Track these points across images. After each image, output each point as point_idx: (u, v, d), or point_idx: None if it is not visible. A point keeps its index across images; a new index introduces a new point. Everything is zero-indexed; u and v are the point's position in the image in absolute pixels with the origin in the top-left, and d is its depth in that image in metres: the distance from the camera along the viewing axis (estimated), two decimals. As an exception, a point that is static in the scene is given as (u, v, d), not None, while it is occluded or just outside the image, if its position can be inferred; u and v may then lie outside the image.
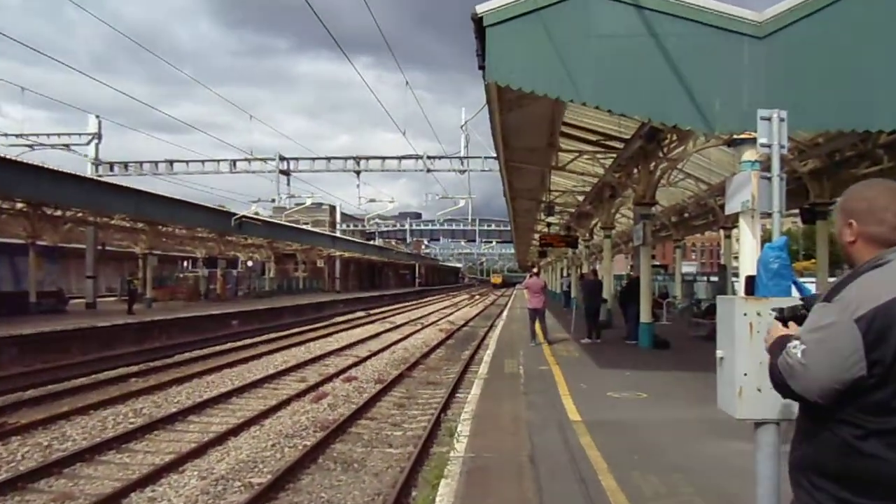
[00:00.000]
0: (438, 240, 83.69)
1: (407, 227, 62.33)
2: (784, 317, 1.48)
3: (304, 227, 42.52)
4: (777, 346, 1.34)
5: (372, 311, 30.50)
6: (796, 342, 1.30)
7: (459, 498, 3.80)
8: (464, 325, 23.03)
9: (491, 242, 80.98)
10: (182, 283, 28.31)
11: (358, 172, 39.35)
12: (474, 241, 69.86)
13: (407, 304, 39.91)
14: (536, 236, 28.89)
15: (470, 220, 54.11)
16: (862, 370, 1.19)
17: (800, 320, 1.41)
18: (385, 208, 56.78)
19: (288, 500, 5.03)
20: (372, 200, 49.05)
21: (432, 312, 30.65)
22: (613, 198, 15.34)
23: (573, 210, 19.94)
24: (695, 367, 8.45)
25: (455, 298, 50.14)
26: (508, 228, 56.00)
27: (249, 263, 35.59)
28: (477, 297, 53.99)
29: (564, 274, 32.15)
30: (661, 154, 10.81)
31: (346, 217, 58.65)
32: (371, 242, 56.54)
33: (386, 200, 49.28)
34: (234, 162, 34.28)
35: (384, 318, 26.66)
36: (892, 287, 1.22)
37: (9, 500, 4.97)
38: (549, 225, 22.53)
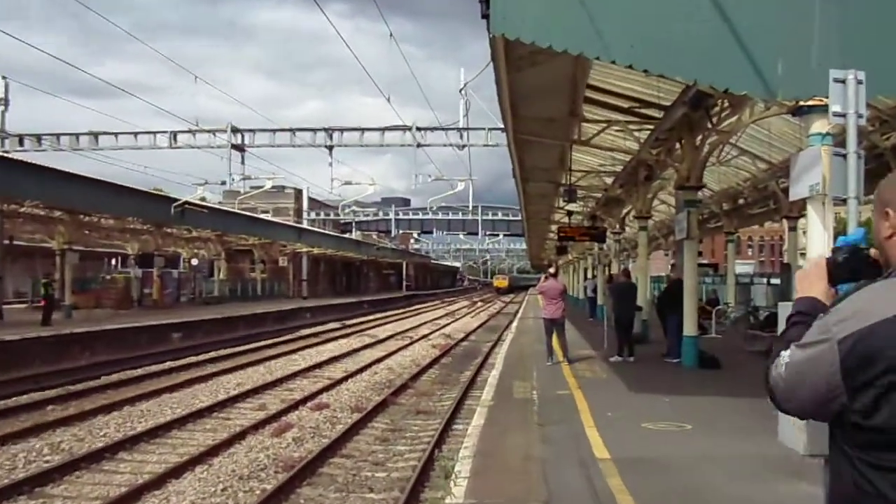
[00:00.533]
0: (431, 232, 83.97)
1: (392, 216, 62.33)
2: (836, 262, 1.31)
3: (262, 216, 42.42)
4: (785, 337, 1.31)
5: (348, 322, 30.53)
6: (789, 351, 1.28)
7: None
8: (463, 340, 23.10)
9: (497, 236, 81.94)
10: (109, 287, 27.86)
11: (330, 148, 39.23)
12: (476, 234, 70.04)
13: (392, 312, 39.96)
14: (554, 228, 29.13)
15: (471, 209, 54.08)
16: (842, 400, 1.19)
17: (856, 273, 1.29)
18: (364, 193, 56.99)
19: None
20: (348, 183, 49.27)
21: (424, 323, 30.76)
22: (650, 180, 15.35)
23: (599, 195, 19.89)
24: (750, 391, 8.20)
25: (452, 306, 50.25)
26: (518, 219, 56.26)
27: (194, 262, 35.37)
28: (479, 304, 54.01)
29: (589, 275, 32.25)
30: (709, 125, 10.81)
31: (316, 204, 58.54)
32: (347, 236, 56.29)
33: (365, 183, 49.62)
34: (174, 134, 33.87)
35: (363, 330, 26.64)
36: (890, 305, 1.18)
37: None
38: (569, 214, 22.37)
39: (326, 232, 48.80)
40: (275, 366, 15.94)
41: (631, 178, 16.09)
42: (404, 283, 71.03)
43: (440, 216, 61.55)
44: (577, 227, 21.19)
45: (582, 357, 13.06)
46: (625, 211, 20.65)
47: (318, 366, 15.80)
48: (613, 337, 13.13)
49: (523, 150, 14.32)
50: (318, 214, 56.35)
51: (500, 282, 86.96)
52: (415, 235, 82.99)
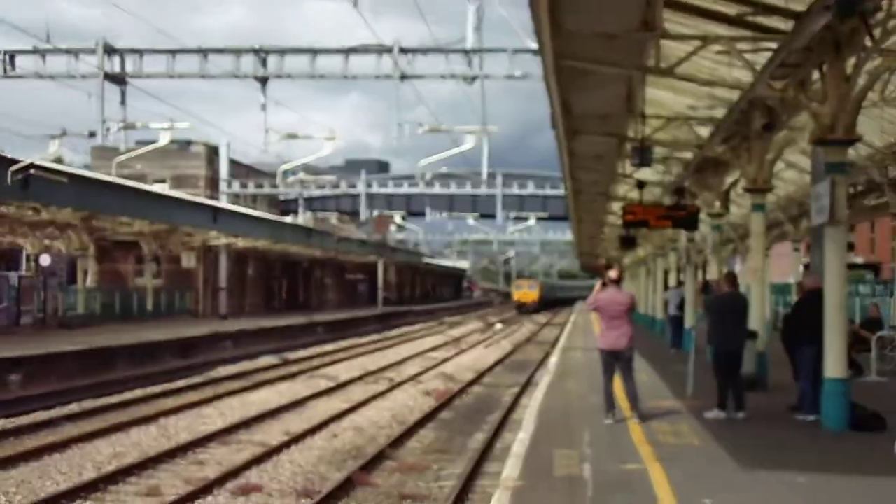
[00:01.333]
0: (423, 214, 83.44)
1: (361, 189, 61.87)
2: None
3: (156, 187, 42.00)
4: None
5: (292, 357, 30.81)
6: None
7: None
8: (473, 383, 23.77)
9: (525, 220, 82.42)
10: None
11: (263, 81, 38.06)
12: (493, 216, 70.05)
13: (362, 340, 40.21)
14: (616, 208, 29.10)
15: (485, 177, 53.89)
16: None
17: None
18: (319, 153, 56.37)
19: None
20: (292, 137, 48.39)
21: (412, 357, 31.05)
22: (771, 130, 15.10)
23: (689, 156, 20.01)
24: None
25: (456, 329, 50.53)
26: (560, 193, 56.09)
27: (45, 260, 34.28)
28: (499, 326, 54.38)
29: (671, 282, 32.20)
30: (867, 41, 10.65)
31: (242, 169, 58.50)
32: (290, 220, 56.67)
33: (320, 137, 48.86)
34: (10, 56, 32.86)
35: (316, 368, 27.10)
36: None
37: None
38: (640, 186, 22.88)
39: (259, 213, 48.47)
40: (175, 425, 15.93)
41: (740, 129, 15.95)
42: (380, 294, 70.38)
43: (437, 189, 61.10)
44: (652, 205, 21.17)
45: (661, 411, 13.13)
46: (729, 181, 20.55)
47: (245, 424, 15.93)
48: (711, 379, 13.12)
49: (569, 85, 14.22)
50: (244, 186, 55.94)
51: (524, 292, 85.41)
52: (397, 219, 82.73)
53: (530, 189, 63.47)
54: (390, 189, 64.77)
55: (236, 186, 54.08)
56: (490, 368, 28.11)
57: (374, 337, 44.23)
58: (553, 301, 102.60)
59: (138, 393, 20.30)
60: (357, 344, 38.46)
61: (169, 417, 16.72)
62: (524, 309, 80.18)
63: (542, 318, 71.04)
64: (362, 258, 68.71)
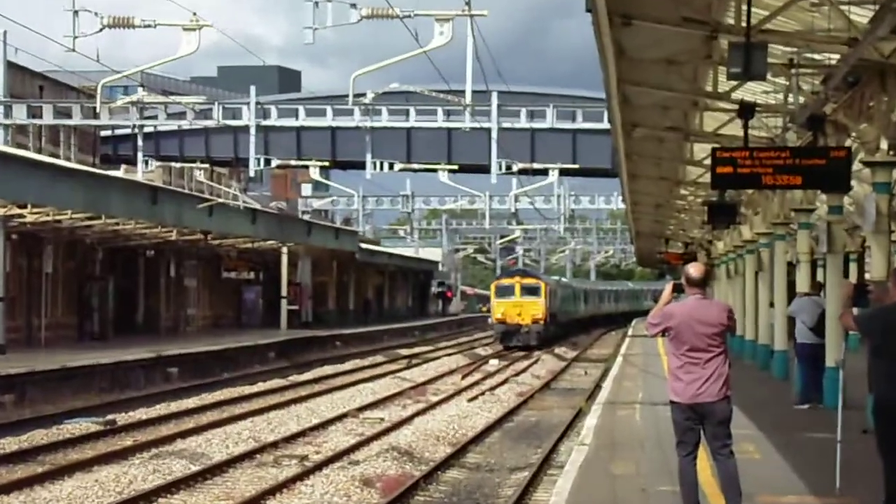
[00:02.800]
0: (363, 166, 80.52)
1: (249, 118, 61.66)
2: None
3: None
4: None
5: (122, 422, 31.63)
6: None
7: None
8: (447, 465, 24.29)
9: (543, 175, 79.67)
10: None
11: None
12: (483, 169, 69.35)
13: (251, 389, 41.88)
14: (702, 152, 28.97)
15: (468, 99, 53.91)
16: None
17: None
18: (174, 54, 56.25)
19: None
20: (123, 24, 48.37)
21: (340, 419, 32.22)
22: None
23: (833, 60, 20.49)
24: None
25: (419, 368, 53.55)
26: (599, 126, 56.35)
27: None
28: (494, 363, 55.81)
29: (801, 286, 32.21)
30: None
31: (32, 80, 57.68)
32: (120, 174, 58.06)
33: (175, 25, 48.71)
34: None
35: (166, 440, 27.39)
36: None
37: None
38: (745, 114, 22.89)
39: (65, 163, 48.09)
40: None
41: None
42: (284, 308, 71.86)
43: (385, 121, 60.92)
44: (767, 148, 21.09)
45: None
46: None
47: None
48: (875, 459, 12.87)
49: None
50: (36, 114, 56.14)
51: (514, 304, 73.13)
52: (313, 174, 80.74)
53: (548, 121, 63.30)
54: (301, 120, 64.60)
55: (21, 113, 54.12)
56: (478, 437, 27.69)
57: (273, 383, 43.77)
58: (584, 320, 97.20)
59: None
60: (241, 395, 38.18)
61: None
62: (514, 339, 71.81)
63: (565, 348, 69.82)
64: (252, 243, 68.05)
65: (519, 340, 69.14)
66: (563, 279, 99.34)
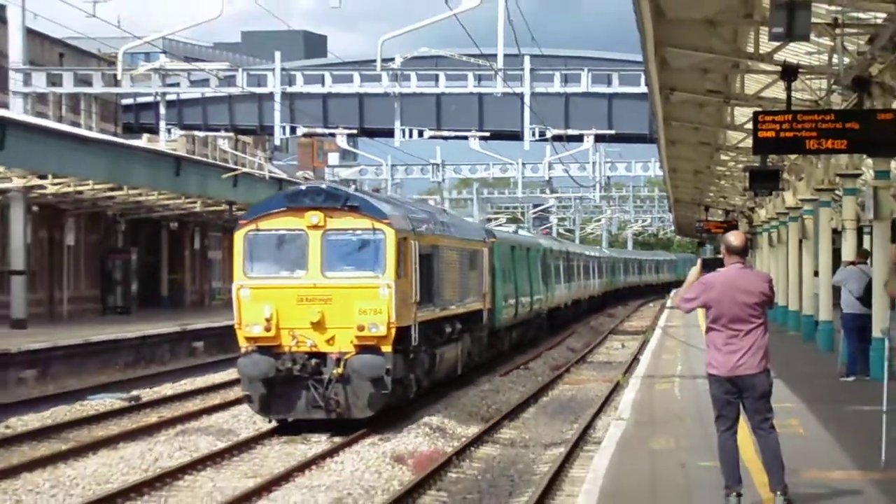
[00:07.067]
0: (390, 134, 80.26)
1: (274, 85, 61.76)
2: None
3: None
4: None
5: (147, 398, 31.88)
6: None
7: None
8: (479, 441, 24.50)
9: (578, 140, 79.09)
10: None
11: None
12: (515, 136, 69.22)
13: None
14: (743, 116, 28.77)
15: (501, 64, 53.90)
16: None
17: None
18: (196, 20, 55.89)
19: None
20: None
21: None
22: None
23: (879, 19, 20.83)
24: None
25: None
26: (636, 90, 56.11)
27: None
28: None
29: (847, 254, 32.01)
30: None
31: (52, 48, 57.83)
32: (142, 143, 57.06)
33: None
34: None
35: (189, 417, 27.82)
36: None
37: None
38: (788, 75, 22.99)
39: (86, 132, 48.22)
40: None
41: None
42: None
43: (415, 86, 60.93)
44: (811, 111, 20.93)
45: (829, 489, 13.53)
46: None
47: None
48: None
49: None
50: (56, 82, 56.77)
51: (277, 296, 24.39)
52: (340, 140, 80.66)
53: (583, 85, 63.28)
54: (328, 86, 64.58)
55: (41, 81, 54.35)
56: (512, 412, 27.88)
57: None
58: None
59: None
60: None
61: None
62: (292, 400, 25.72)
63: (602, 320, 70.34)
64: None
65: (310, 403, 25.83)
66: (528, 234, 70.09)
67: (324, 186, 27.79)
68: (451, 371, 32.36)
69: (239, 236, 26.17)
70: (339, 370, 24.87)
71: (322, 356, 25.22)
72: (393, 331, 25.18)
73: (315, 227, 25.53)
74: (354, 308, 25.16)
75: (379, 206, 26.63)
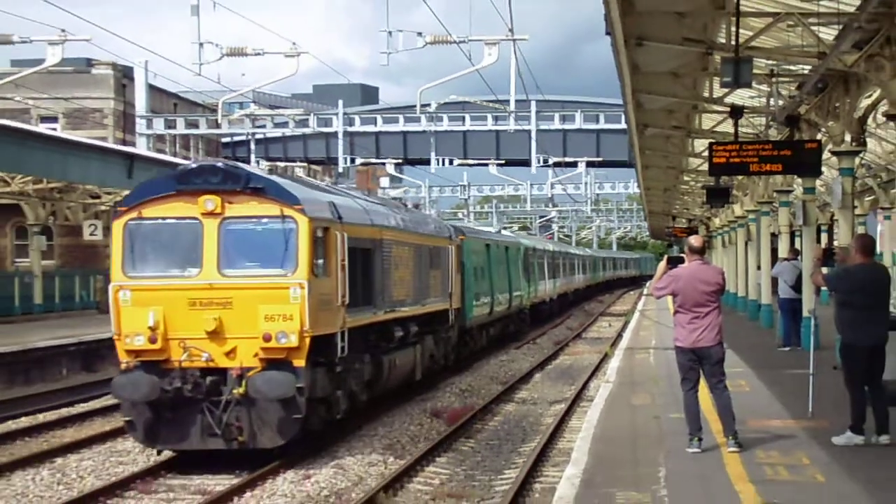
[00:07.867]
0: (427, 162, 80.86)
1: (338, 126, 61.75)
2: None
3: (42, 128, 40.70)
4: None
5: None
6: None
7: None
8: (499, 399, 23.68)
9: (572, 165, 79.12)
10: None
11: None
12: (525, 163, 69.42)
13: None
14: (700, 146, 28.57)
15: (513, 107, 53.80)
16: None
17: None
18: (277, 76, 56.61)
19: None
20: (239, 53, 48.55)
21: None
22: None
23: (806, 70, 20.32)
24: None
25: None
26: (619, 127, 55.70)
27: None
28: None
29: (783, 252, 31.76)
30: None
31: (167, 99, 57.45)
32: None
33: (278, 52, 48.86)
34: None
35: None
36: None
37: None
38: (735, 114, 22.95)
39: (185, 162, 47.71)
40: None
41: (883, 25, 15.86)
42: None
43: (446, 125, 60.62)
44: (754, 142, 21.02)
45: (769, 435, 13.36)
46: (866, 104, 20.50)
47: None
48: (841, 389, 13.17)
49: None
50: (171, 125, 55.93)
51: (158, 299, 17.63)
52: (390, 169, 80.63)
53: (577, 123, 63.25)
54: (379, 126, 64.56)
55: (159, 125, 53.51)
56: (524, 377, 28.23)
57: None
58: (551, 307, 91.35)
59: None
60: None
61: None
62: (188, 429, 19.48)
63: (594, 305, 70.47)
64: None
65: (206, 430, 16.07)
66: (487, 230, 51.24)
67: (220, 164, 17.22)
68: (407, 377, 22.91)
69: (117, 227, 16.70)
70: (241, 390, 15.76)
71: (220, 372, 16.14)
72: (307, 340, 16.07)
73: (211, 214, 16.22)
74: (259, 314, 16.00)
75: (290, 188, 16.95)
